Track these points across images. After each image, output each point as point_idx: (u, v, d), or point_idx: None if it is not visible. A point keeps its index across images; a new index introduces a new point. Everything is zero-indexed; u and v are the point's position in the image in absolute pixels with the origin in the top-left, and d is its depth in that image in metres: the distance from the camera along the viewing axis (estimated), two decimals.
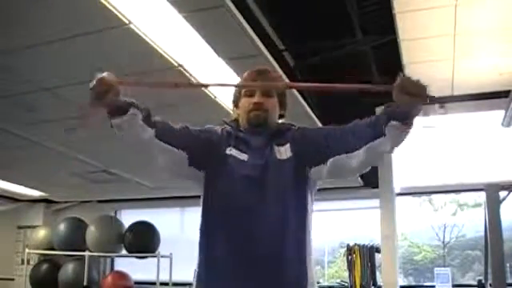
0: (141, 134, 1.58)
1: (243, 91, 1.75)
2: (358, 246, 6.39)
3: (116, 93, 1.49)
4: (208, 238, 1.63)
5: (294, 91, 3.89)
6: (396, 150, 1.60)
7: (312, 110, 5.01)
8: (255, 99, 1.71)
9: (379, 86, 1.49)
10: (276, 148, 1.67)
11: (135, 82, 1.56)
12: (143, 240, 5.38)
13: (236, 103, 1.79)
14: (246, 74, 1.80)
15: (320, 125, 4.87)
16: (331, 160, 1.60)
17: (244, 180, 1.62)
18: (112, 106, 1.52)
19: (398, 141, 1.56)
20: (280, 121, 1.80)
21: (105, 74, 1.49)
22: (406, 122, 1.51)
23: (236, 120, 1.78)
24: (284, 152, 1.66)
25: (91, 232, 5.35)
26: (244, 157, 1.66)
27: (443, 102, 5.65)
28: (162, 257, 5.22)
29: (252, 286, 1.53)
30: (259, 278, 1.53)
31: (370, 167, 1.68)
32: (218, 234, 1.60)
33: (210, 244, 1.61)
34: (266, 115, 1.71)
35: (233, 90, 1.85)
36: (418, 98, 1.45)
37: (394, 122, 1.50)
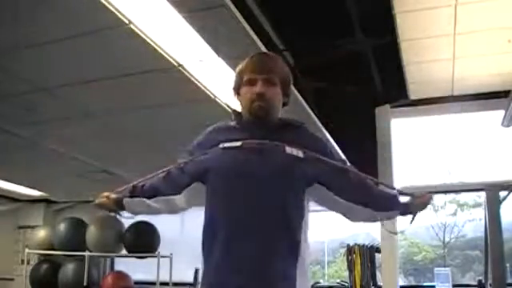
0: (141, 206, 1.84)
1: (244, 79, 1.69)
2: (358, 245, 6.39)
3: (111, 207, 1.85)
4: (207, 230, 1.63)
5: (294, 91, 3.89)
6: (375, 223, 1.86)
7: (312, 110, 5.01)
8: (257, 89, 1.65)
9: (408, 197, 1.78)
10: (286, 146, 1.63)
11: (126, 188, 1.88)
12: (143, 240, 5.37)
13: (237, 90, 1.74)
14: (246, 60, 1.73)
15: (320, 125, 4.86)
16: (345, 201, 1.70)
17: (239, 166, 1.60)
18: (115, 211, 1.89)
19: (386, 219, 1.83)
20: (283, 110, 1.76)
21: (97, 201, 1.86)
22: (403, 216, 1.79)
23: (239, 112, 1.74)
24: (295, 150, 1.64)
25: (91, 232, 5.34)
26: (238, 143, 1.63)
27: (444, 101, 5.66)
28: (162, 257, 5.22)
29: (242, 280, 1.52)
30: (248, 273, 1.52)
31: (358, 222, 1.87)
32: (214, 226, 1.60)
33: (210, 236, 1.61)
34: (269, 106, 1.66)
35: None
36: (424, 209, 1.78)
37: (397, 212, 1.77)
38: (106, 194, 1.87)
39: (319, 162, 1.67)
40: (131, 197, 1.84)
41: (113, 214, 1.96)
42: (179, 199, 1.76)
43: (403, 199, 1.79)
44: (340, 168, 1.73)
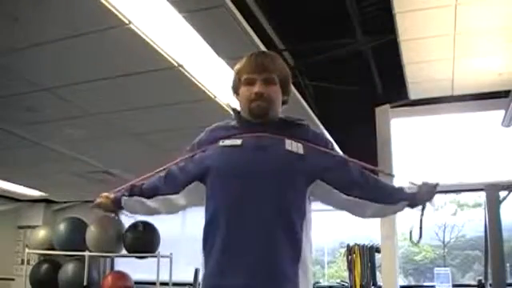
0: (139, 205, 1.84)
1: (243, 78, 1.67)
2: (358, 245, 6.39)
3: (109, 207, 1.87)
4: (208, 231, 1.62)
5: (294, 91, 3.89)
6: (384, 217, 1.90)
7: (312, 110, 5.01)
8: (256, 88, 1.64)
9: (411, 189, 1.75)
10: (287, 140, 1.62)
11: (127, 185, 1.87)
12: (143, 240, 5.37)
13: (235, 90, 1.73)
14: (244, 59, 1.71)
15: (319, 124, 4.86)
16: (349, 198, 1.68)
17: (240, 165, 1.59)
18: (113, 211, 1.93)
19: (394, 213, 1.82)
20: (282, 108, 1.75)
21: (96, 201, 1.87)
22: (411, 208, 1.75)
23: (238, 111, 1.73)
24: (296, 147, 1.62)
25: (91, 232, 5.34)
26: (238, 142, 1.62)
27: (442, 102, 5.65)
28: (161, 257, 5.21)
29: (246, 281, 1.51)
30: (251, 273, 1.51)
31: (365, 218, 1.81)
32: (215, 226, 1.58)
33: (210, 237, 1.59)
34: (268, 105, 1.64)
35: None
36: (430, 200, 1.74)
37: (405, 203, 1.73)
38: (104, 194, 1.87)
39: (321, 158, 1.66)
40: (130, 196, 1.82)
41: (112, 214, 1.98)
42: (178, 198, 1.75)
43: (409, 190, 1.75)
44: (343, 162, 1.71)
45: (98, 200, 1.87)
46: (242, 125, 1.69)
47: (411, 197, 1.72)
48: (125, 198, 1.83)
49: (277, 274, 1.51)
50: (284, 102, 1.74)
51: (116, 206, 1.86)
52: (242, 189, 1.56)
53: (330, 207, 1.76)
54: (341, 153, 1.82)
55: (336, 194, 1.67)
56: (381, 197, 1.71)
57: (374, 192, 1.70)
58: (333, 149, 1.75)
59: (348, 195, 1.67)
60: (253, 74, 1.66)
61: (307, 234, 1.62)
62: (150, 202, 1.80)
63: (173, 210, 1.83)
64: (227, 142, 1.64)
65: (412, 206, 1.74)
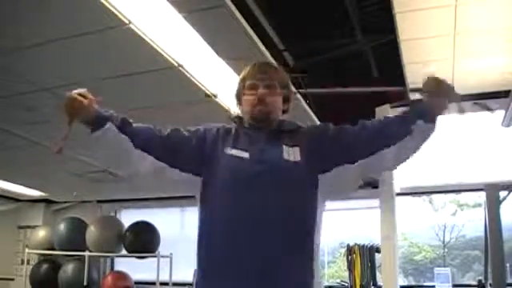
0: (119, 146, 1.63)
1: (246, 84, 1.72)
2: (358, 245, 6.39)
3: (86, 112, 1.59)
4: (207, 238, 1.61)
5: (294, 91, 3.89)
6: (419, 150, 1.66)
7: (312, 110, 5.01)
8: (258, 93, 1.68)
9: (413, 89, 1.56)
10: (284, 147, 1.63)
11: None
12: (143, 240, 5.37)
13: (239, 98, 1.77)
14: (248, 68, 1.76)
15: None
16: (359, 162, 1.61)
17: (245, 178, 1.58)
18: (86, 122, 1.62)
19: (423, 140, 1.64)
20: (284, 117, 1.76)
21: (74, 94, 1.62)
22: (431, 121, 1.62)
23: (240, 117, 1.75)
24: (292, 154, 1.62)
25: (91, 232, 5.34)
26: (245, 154, 1.62)
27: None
28: (161, 257, 5.23)
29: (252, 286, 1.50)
30: (259, 281, 1.50)
31: (396, 167, 1.74)
32: (217, 234, 1.57)
33: (209, 245, 1.59)
34: (269, 110, 1.68)
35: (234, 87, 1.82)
36: (447, 100, 1.61)
37: (420, 122, 1.59)
38: (88, 95, 1.61)
39: (318, 149, 1.64)
40: (119, 129, 1.61)
41: (72, 124, 1.62)
42: (173, 172, 1.63)
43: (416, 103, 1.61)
44: (350, 130, 1.69)
45: (79, 97, 1.57)
46: (245, 131, 1.70)
47: (421, 108, 1.60)
48: (113, 125, 1.60)
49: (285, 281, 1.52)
50: (284, 111, 1.77)
51: (93, 123, 1.59)
52: (247, 201, 1.55)
53: (333, 206, 1.73)
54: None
55: (346, 170, 1.61)
56: (388, 136, 1.62)
57: (378, 138, 1.62)
58: (331, 127, 1.73)
59: (356, 161, 1.61)
60: (255, 80, 1.71)
61: (318, 237, 1.63)
62: (134, 153, 1.60)
63: (157, 178, 1.66)
64: (234, 153, 1.63)
65: (431, 117, 1.60)
